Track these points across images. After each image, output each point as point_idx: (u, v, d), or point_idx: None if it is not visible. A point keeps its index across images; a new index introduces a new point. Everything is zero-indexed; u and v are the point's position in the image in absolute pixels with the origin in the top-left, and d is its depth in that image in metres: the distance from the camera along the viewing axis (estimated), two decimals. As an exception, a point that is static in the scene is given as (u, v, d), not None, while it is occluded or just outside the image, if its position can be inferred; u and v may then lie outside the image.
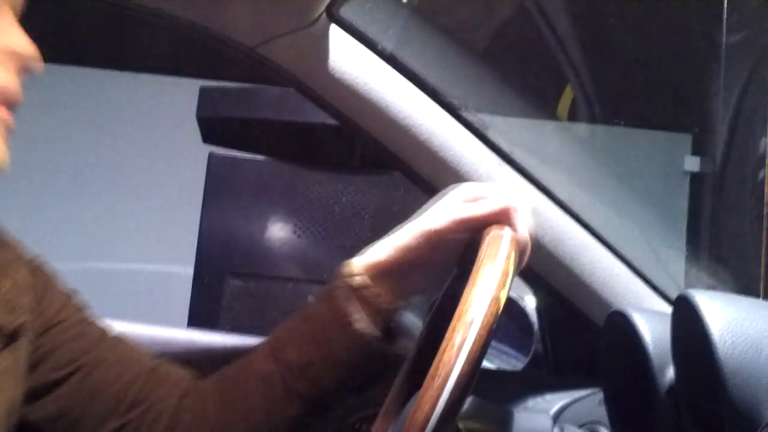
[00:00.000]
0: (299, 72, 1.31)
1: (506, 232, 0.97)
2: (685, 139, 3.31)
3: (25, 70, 0.88)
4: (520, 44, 2.73)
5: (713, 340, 0.84)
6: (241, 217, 2.47)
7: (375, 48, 1.33)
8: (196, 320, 2.43)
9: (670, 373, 1.00)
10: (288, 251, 2.43)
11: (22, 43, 0.87)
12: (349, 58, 1.30)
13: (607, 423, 1.17)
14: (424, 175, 1.39)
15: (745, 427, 0.82)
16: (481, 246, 0.97)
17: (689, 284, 2.20)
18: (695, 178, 3.18)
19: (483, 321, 0.85)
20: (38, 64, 0.89)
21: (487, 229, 1.02)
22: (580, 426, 1.24)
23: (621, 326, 1.09)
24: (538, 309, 1.59)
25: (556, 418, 1.35)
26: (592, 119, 2.97)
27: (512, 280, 0.91)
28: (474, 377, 0.84)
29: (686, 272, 2.35)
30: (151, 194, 3.35)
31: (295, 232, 2.44)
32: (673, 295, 1.48)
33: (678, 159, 3.24)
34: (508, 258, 0.92)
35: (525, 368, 1.66)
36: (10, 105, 0.87)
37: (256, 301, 2.40)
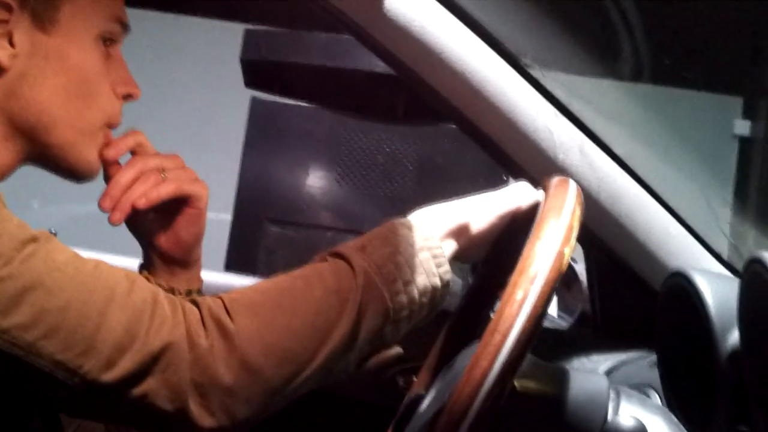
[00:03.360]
0: (354, 14, 1.27)
1: (571, 183, 0.93)
2: (736, 103, 3.24)
3: (126, 99, 1.03)
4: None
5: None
6: (283, 163, 2.43)
7: (432, -9, 1.28)
8: (233, 266, 2.41)
9: (733, 337, 0.96)
10: (329, 200, 2.39)
11: (127, 77, 1.02)
12: (404, 1, 1.26)
13: (659, 387, 1.13)
14: (477, 124, 1.35)
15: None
16: (545, 198, 0.93)
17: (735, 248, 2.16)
18: (745, 142, 3.14)
19: (547, 276, 0.81)
20: (137, 94, 1.04)
21: (549, 180, 0.97)
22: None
23: (681, 287, 1.05)
24: (588, 267, 1.55)
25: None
26: (643, 79, 2.92)
27: (576, 235, 0.87)
28: (535, 335, 0.80)
29: (731, 234, 2.30)
30: (191, 138, 3.33)
31: (336, 180, 2.40)
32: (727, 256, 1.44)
33: (728, 122, 3.19)
34: (573, 212, 0.88)
35: (570, 327, 1.63)
36: (112, 128, 1.03)
37: (294, 249, 2.37)
